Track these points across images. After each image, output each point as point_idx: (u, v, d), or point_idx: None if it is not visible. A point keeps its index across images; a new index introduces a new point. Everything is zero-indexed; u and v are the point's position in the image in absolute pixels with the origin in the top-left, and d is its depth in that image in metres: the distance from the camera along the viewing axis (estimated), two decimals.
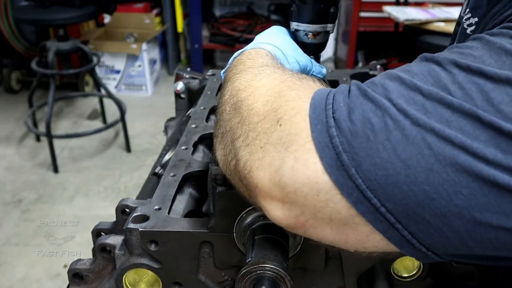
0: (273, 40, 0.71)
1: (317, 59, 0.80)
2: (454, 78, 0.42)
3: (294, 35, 0.77)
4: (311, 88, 0.50)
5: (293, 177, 0.44)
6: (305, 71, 0.73)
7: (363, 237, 0.45)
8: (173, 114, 1.25)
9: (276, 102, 0.49)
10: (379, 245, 0.45)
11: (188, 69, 1.28)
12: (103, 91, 3.44)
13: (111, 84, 4.13)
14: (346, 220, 0.44)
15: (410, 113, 0.41)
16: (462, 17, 0.61)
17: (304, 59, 0.74)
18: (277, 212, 0.47)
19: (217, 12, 4.68)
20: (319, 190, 0.44)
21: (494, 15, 0.51)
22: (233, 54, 0.70)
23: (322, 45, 0.79)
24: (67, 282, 0.73)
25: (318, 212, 0.45)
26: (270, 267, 0.56)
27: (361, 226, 0.44)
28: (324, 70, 0.79)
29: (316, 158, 0.44)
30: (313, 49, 0.78)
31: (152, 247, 0.66)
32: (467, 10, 0.59)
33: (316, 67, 0.76)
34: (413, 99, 0.42)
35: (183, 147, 0.87)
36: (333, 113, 0.44)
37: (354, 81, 0.47)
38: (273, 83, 0.53)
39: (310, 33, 0.76)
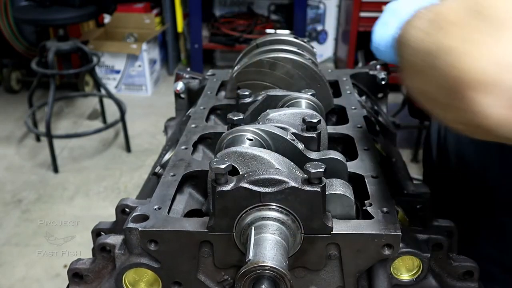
0: None
1: None
2: None
3: None
4: None
5: None
6: None
7: None
8: (173, 114, 1.25)
9: None
10: None
11: (188, 69, 1.28)
12: (103, 91, 3.45)
13: (111, 84, 4.13)
14: None
15: None
16: None
17: None
18: (496, 106, 0.40)
19: (217, 12, 4.69)
20: None
21: None
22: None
23: None
24: (67, 282, 0.73)
25: None
26: (270, 267, 0.56)
27: None
28: None
29: None
30: None
31: (152, 247, 0.66)
32: None
33: None
34: None
35: (183, 147, 0.87)
36: None
37: None
38: None
39: None
